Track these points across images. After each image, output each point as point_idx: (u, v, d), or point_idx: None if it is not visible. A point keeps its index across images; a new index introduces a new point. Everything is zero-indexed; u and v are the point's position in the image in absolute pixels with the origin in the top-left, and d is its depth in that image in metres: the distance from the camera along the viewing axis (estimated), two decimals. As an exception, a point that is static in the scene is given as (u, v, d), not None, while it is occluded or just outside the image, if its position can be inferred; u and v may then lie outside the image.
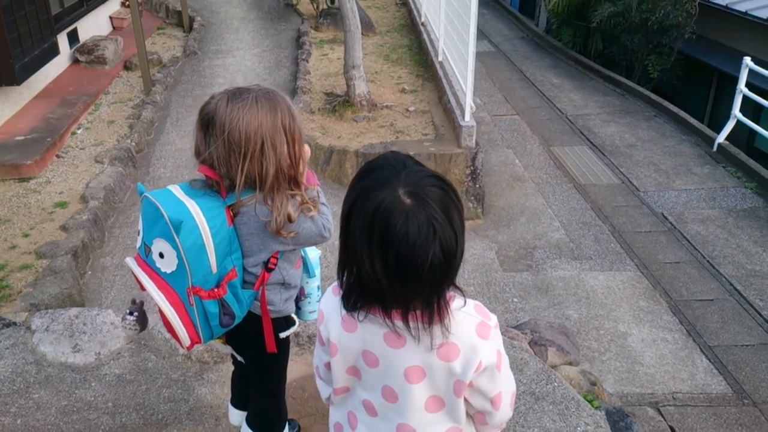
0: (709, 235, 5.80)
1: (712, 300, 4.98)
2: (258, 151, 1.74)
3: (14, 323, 3.22)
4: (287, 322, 2.07)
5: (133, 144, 6.50)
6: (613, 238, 5.79)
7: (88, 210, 5.19)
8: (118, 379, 2.89)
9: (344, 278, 1.30)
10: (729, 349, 4.49)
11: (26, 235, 4.89)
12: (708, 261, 5.43)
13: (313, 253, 2.20)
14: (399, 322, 1.27)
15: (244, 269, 1.91)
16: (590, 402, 2.84)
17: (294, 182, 1.85)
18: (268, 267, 1.92)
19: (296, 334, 3.10)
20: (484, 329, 1.32)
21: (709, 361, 4.38)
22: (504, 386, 1.39)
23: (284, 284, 1.99)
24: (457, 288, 1.30)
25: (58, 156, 6.19)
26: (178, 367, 2.96)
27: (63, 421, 2.68)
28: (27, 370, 2.93)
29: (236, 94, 1.77)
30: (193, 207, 1.77)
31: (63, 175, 5.86)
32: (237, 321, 1.94)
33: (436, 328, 1.27)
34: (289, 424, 2.57)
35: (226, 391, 2.80)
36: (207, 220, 1.76)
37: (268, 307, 1.98)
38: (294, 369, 2.93)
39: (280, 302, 2.01)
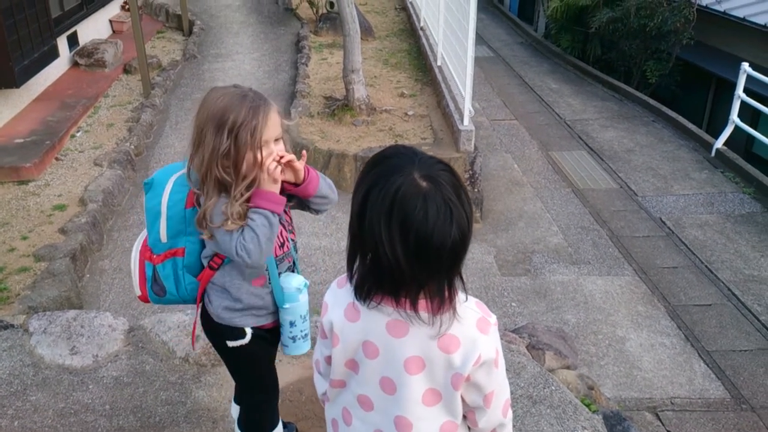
0: (707, 240, 5.81)
1: (710, 305, 4.99)
2: (196, 137, 1.79)
3: (12, 325, 3.22)
4: (233, 332, 2.01)
5: (132, 147, 6.51)
6: (611, 243, 5.79)
7: (87, 213, 5.19)
8: (116, 381, 2.89)
9: (356, 267, 1.32)
10: (727, 354, 4.49)
11: (25, 238, 4.89)
12: (706, 266, 5.43)
13: (292, 283, 2.00)
14: (410, 311, 1.30)
15: (201, 257, 1.98)
16: (588, 406, 2.84)
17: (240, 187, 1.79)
18: (210, 264, 1.96)
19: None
20: (484, 324, 1.34)
21: (707, 366, 4.39)
22: (498, 386, 1.39)
23: (226, 290, 1.97)
24: (461, 280, 1.31)
25: (57, 159, 6.19)
26: (175, 369, 2.96)
27: (60, 423, 2.68)
28: (24, 372, 2.93)
29: (231, 86, 1.85)
30: (172, 179, 1.90)
31: (62, 177, 5.86)
32: (171, 298, 2.02)
33: (445, 315, 1.30)
34: (286, 427, 2.57)
35: (224, 394, 2.81)
36: (170, 193, 1.89)
37: (207, 306, 2.03)
38: (291, 372, 2.94)
39: (218, 307, 1.99)
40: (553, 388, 2.81)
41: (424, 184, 1.21)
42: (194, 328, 2.16)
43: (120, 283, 4.74)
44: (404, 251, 1.21)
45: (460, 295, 1.33)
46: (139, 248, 2.03)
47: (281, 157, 1.83)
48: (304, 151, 1.96)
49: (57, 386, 2.86)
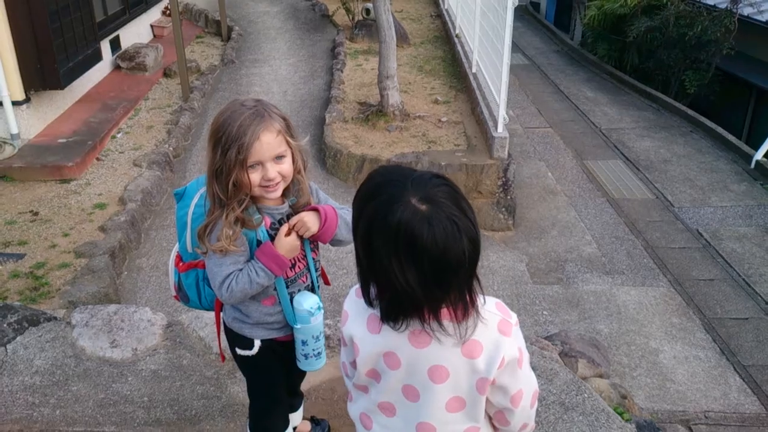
0: (745, 253, 5.70)
1: (747, 319, 4.89)
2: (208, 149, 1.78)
3: (55, 318, 3.32)
4: (243, 341, 2.02)
5: (171, 149, 6.65)
6: (646, 254, 5.72)
7: (126, 212, 5.32)
8: (154, 374, 2.96)
9: (374, 294, 1.32)
10: (764, 368, 4.40)
11: (66, 235, 5.03)
12: (743, 279, 5.33)
13: (303, 305, 1.94)
14: (434, 323, 1.29)
15: None
16: (621, 414, 2.82)
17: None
18: None
19: (327, 337, 3.13)
20: (506, 326, 1.35)
21: (743, 380, 4.30)
22: (525, 384, 1.39)
23: (233, 306, 1.99)
24: (478, 281, 1.30)
25: (98, 159, 6.36)
26: (211, 365, 3.01)
27: (100, 413, 2.75)
28: (66, 363, 3.02)
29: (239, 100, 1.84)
30: (200, 191, 1.89)
31: (102, 177, 6.02)
32: (194, 305, 2.07)
33: (469, 321, 1.30)
34: (318, 424, 2.60)
35: (258, 391, 2.85)
36: (195, 206, 1.90)
37: (222, 314, 2.06)
38: (324, 371, 2.96)
39: (229, 317, 2.02)
40: (585, 395, 2.79)
41: (423, 207, 1.20)
42: (219, 342, 2.16)
43: (156, 280, 4.84)
44: (420, 278, 1.21)
45: (479, 298, 1.32)
46: (176, 252, 2.08)
47: (291, 228, 1.82)
48: (319, 208, 1.88)
49: (97, 377, 2.94)
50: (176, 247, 2.07)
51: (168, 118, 7.47)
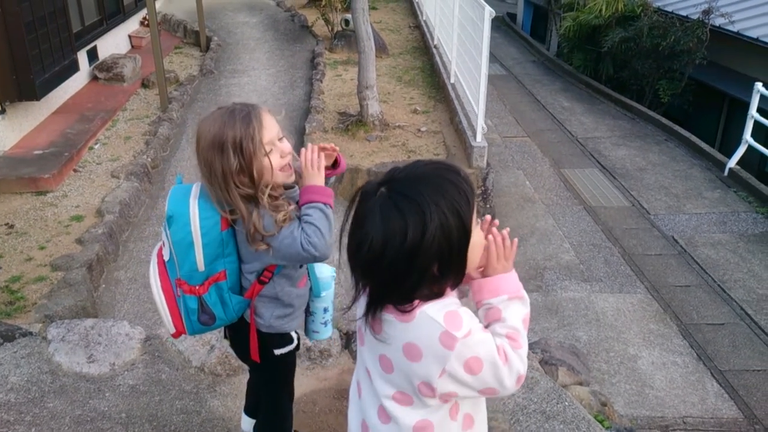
0: (719, 259, 5.80)
1: (722, 324, 4.97)
2: (206, 170, 1.80)
3: (31, 333, 3.27)
4: (282, 339, 2.04)
5: (149, 160, 6.60)
6: (623, 261, 5.79)
7: (104, 224, 5.26)
8: (132, 389, 2.93)
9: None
10: (740, 373, 4.47)
11: (42, 248, 4.96)
12: (719, 285, 5.42)
13: (325, 272, 2.11)
14: (383, 314, 1.35)
15: (242, 274, 1.96)
16: (601, 422, 2.85)
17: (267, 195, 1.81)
18: (260, 279, 1.94)
19: (307, 348, 3.12)
20: (448, 339, 1.29)
21: (720, 385, 4.36)
22: (483, 380, 1.35)
23: (278, 300, 1.98)
24: (435, 286, 1.32)
25: (75, 170, 6.29)
26: (191, 379, 2.99)
27: (76, 430, 2.71)
28: (42, 380, 2.97)
29: (216, 110, 1.87)
30: (193, 206, 1.85)
31: (79, 189, 5.95)
32: (219, 323, 1.99)
33: (397, 323, 1.33)
34: (300, 437, 2.60)
35: (239, 404, 2.83)
36: (200, 220, 1.84)
37: (257, 319, 2.01)
38: (305, 383, 2.96)
39: (270, 317, 2.00)
40: (566, 403, 2.82)
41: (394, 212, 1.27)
42: (254, 344, 2.05)
43: (135, 293, 4.79)
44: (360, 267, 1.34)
45: (434, 305, 1.32)
46: (160, 285, 1.98)
47: (322, 148, 1.89)
48: (333, 145, 1.96)
49: (74, 393, 2.90)
50: (157, 279, 1.97)
51: (146, 129, 7.42)
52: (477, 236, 1.36)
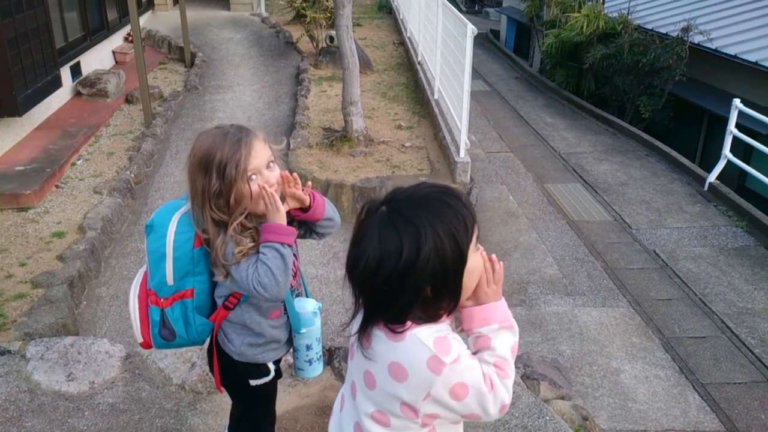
0: (700, 272, 5.86)
1: (704, 337, 5.01)
2: (191, 185, 1.80)
3: (9, 351, 3.23)
4: (258, 370, 2.01)
5: (132, 175, 6.57)
6: (605, 275, 5.83)
7: (86, 240, 5.23)
8: (112, 408, 2.90)
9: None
10: (721, 386, 4.51)
11: (23, 265, 4.91)
12: (700, 298, 5.47)
13: (308, 308, 2.03)
14: (374, 330, 1.36)
15: (213, 296, 1.95)
16: (582, 436, 2.86)
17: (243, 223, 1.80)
18: (225, 304, 1.92)
19: (290, 365, 3.11)
20: (436, 364, 1.30)
21: (702, 398, 4.39)
22: (467, 406, 1.35)
23: (246, 327, 1.96)
24: (428, 308, 1.33)
25: (57, 186, 6.24)
26: (171, 396, 2.96)
27: (55, 449, 2.68)
28: (20, 399, 2.94)
29: (213, 128, 1.85)
30: (174, 219, 1.85)
31: (61, 205, 5.91)
32: (181, 341, 1.96)
33: (386, 340, 1.34)
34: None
35: (219, 422, 2.81)
36: (175, 234, 1.84)
37: (227, 345, 1.99)
38: (287, 400, 2.95)
39: (240, 344, 1.97)
40: (547, 418, 2.83)
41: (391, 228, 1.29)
42: (216, 371, 2.06)
43: (117, 310, 4.75)
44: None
45: (426, 329, 1.33)
46: (138, 293, 1.98)
47: (285, 179, 1.85)
48: (309, 182, 1.93)
49: (53, 413, 2.87)
50: (137, 286, 1.98)
51: (130, 145, 7.39)
52: (475, 261, 1.36)
